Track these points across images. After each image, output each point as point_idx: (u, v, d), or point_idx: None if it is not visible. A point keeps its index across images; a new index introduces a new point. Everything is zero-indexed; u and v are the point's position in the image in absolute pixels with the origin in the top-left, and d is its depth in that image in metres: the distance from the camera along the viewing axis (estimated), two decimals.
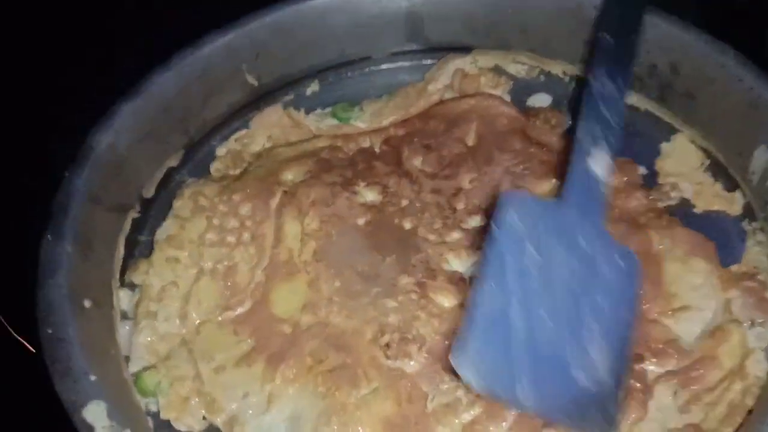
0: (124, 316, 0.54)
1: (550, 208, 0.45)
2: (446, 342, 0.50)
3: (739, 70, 0.56)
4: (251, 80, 0.68)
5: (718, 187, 0.59)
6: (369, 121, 0.67)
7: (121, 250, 0.57)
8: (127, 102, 0.59)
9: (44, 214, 0.51)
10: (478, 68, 0.70)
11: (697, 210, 0.58)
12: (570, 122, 0.66)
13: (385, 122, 0.67)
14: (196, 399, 0.49)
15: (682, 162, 0.61)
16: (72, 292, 0.46)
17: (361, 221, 0.58)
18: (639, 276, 0.45)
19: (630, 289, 0.45)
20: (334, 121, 0.68)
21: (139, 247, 0.59)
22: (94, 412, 0.39)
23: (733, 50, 0.57)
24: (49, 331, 0.43)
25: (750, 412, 0.44)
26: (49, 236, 0.49)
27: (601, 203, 0.46)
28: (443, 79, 0.70)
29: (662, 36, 0.60)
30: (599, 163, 0.46)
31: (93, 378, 0.41)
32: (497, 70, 0.70)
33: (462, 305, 0.52)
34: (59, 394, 0.41)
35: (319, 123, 0.68)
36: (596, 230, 0.45)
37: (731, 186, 0.58)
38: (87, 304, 0.48)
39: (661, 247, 0.54)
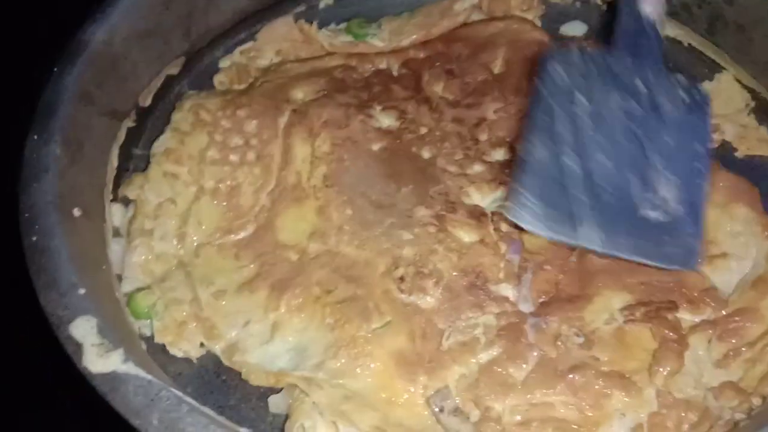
0: (116, 233, 0.51)
1: (600, 58, 0.44)
2: (465, 278, 0.47)
3: None
4: None
5: (764, 130, 0.56)
6: (387, 40, 0.63)
7: (114, 161, 0.53)
8: None
9: (31, 112, 0.46)
10: None
11: (739, 154, 0.55)
12: None
13: (405, 42, 0.63)
14: (194, 324, 0.47)
15: (725, 102, 0.58)
16: (59, 198, 0.42)
17: (376, 147, 0.55)
18: (707, 107, 0.46)
19: (700, 122, 0.45)
20: (349, 38, 0.64)
21: (133, 161, 0.56)
22: (83, 328, 0.36)
23: None
24: (34, 239, 0.39)
25: None
26: (34, 136, 0.45)
27: (655, 44, 0.45)
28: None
29: None
30: (650, 3, 0.45)
31: (82, 291, 0.38)
32: None
33: (483, 241, 0.49)
34: (44, 307, 0.37)
35: (333, 39, 0.64)
36: (654, 71, 0.45)
37: None
38: (76, 212, 0.44)
39: None
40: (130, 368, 0.34)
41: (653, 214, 0.40)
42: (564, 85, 0.42)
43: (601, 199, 0.40)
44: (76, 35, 0.51)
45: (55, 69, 0.49)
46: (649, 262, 0.42)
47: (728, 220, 0.49)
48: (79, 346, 0.35)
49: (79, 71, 0.49)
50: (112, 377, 0.34)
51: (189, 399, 0.34)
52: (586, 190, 0.40)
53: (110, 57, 0.52)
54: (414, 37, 0.62)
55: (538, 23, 0.64)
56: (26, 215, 0.41)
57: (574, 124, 0.41)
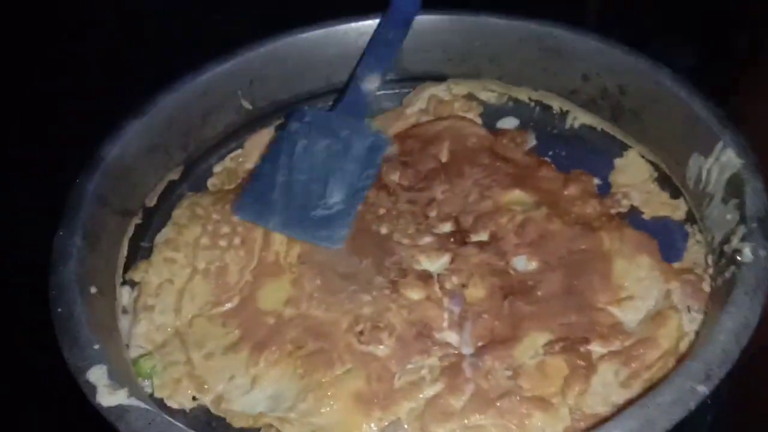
0: (124, 311, 0.60)
1: (323, 116, 0.69)
2: (414, 329, 0.55)
3: (675, 89, 0.62)
4: (246, 104, 0.75)
5: (665, 195, 0.65)
6: None
7: (124, 252, 0.63)
8: (134, 118, 0.66)
9: (58, 215, 0.57)
10: (451, 95, 0.78)
11: (645, 216, 0.64)
12: (535, 141, 0.73)
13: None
14: (187, 381, 0.54)
15: (633, 175, 0.67)
16: (80, 278, 0.52)
17: None
18: (384, 148, 0.68)
19: (374, 156, 0.67)
20: None
21: (140, 252, 0.65)
22: (97, 374, 0.45)
23: (669, 71, 0.64)
24: (60, 310, 0.49)
25: None
26: (61, 231, 0.55)
27: (363, 106, 0.70)
28: (419, 103, 0.77)
29: (609, 60, 0.68)
30: (372, 83, 0.71)
31: (97, 347, 0.47)
32: (469, 97, 0.78)
33: (429, 298, 0.58)
34: (67, 361, 0.46)
35: None
36: (357, 124, 0.68)
37: (676, 194, 0.64)
38: (93, 290, 0.54)
39: (611, 246, 0.60)
40: (133, 401, 0.43)
41: (320, 213, 0.62)
42: (294, 130, 0.67)
43: (292, 202, 0.63)
44: (95, 151, 0.62)
45: (78, 180, 0.60)
46: (310, 240, 0.62)
47: (634, 268, 0.57)
48: (93, 387, 0.44)
49: (96, 180, 0.60)
50: (119, 408, 0.43)
51: (179, 424, 0.42)
52: (284, 195, 0.63)
53: (122, 168, 0.63)
54: None
55: (478, 120, 0.74)
56: (53, 292, 0.51)
57: (291, 155, 0.65)
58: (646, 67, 0.65)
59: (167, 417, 0.43)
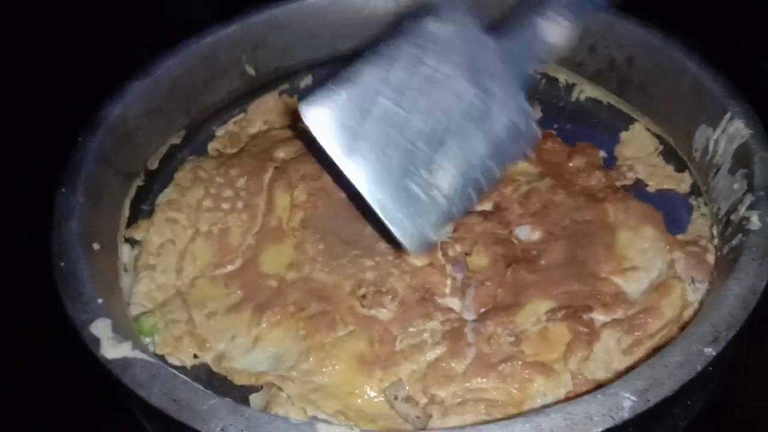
0: (125, 269, 0.59)
1: (480, 39, 0.44)
2: (416, 294, 0.55)
3: (685, 61, 0.62)
4: (249, 70, 0.75)
5: (669, 168, 0.65)
6: None
7: (126, 212, 0.62)
8: (136, 80, 0.65)
9: (60, 171, 0.56)
10: None
11: (650, 189, 0.64)
12: (540, 114, 0.72)
13: None
14: (189, 339, 0.54)
15: (638, 148, 0.68)
16: (82, 235, 0.52)
17: (345, 194, 0.63)
18: (530, 143, 0.47)
19: (514, 148, 0.46)
20: None
21: (141, 214, 0.64)
22: (101, 327, 0.44)
23: (679, 42, 0.63)
24: (63, 264, 0.49)
25: None
26: (63, 189, 0.55)
27: (528, 62, 0.46)
28: None
29: (618, 32, 0.67)
30: (552, 28, 0.47)
31: (100, 301, 0.47)
32: None
33: (432, 264, 0.57)
34: (70, 314, 0.46)
35: None
36: (514, 83, 0.46)
37: (681, 167, 0.64)
38: (95, 246, 0.53)
39: (615, 218, 0.59)
40: (137, 354, 0.43)
41: (415, 190, 0.43)
42: (422, 43, 0.42)
43: (386, 147, 0.42)
44: (98, 111, 0.61)
45: (80, 138, 0.59)
46: (382, 218, 0.44)
47: (639, 240, 0.57)
48: (97, 340, 0.44)
49: (99, 140, 0.59)
50: (123, 361, 0.42)
51: (182, 376, 0.42)
52: (380, 132, 0.42)
53: (124, 129, 0.62)
54: None
55: None
56: (56, 248, 0.50)
57: (409, 77, 0.42)
58: (655, 39, 0.65)
59: (171, 369, 0.43)
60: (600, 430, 0.37)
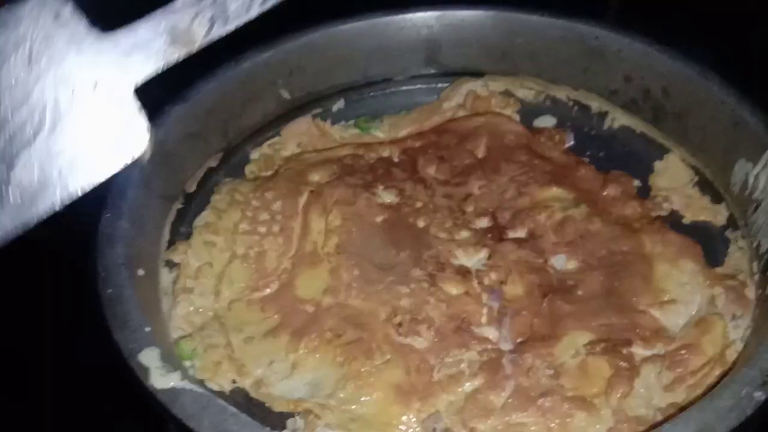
0: (164, 293, 0.60)
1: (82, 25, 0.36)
2: (452, 323, 0.56)
3: (723, 94, 0.62)
4: (284, 94, 0.76)
5: (705, 200, 0.65)
6: (388, 132, 0.74)
7: (166, 236, 0.63)
8: (175, 105, 0.66)
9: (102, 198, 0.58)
10: (489, 91, 0.78)
11: (686, 221, 0.63)
12: (573, 141, 0.72)
13: (402, 133, 0.74)
14: (228, 364, 0.55)
15: (673, 178, 0.67)
16: (128, 260, 0.53)
17: (379, 219, 0.64)
18: None
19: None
20: (356, 131, 0.75)
21: (179, 237, 0.65)
22: (149, 356, 0.45)
23: (717, 76, 0.64)
24: (109, 291, 0.50)
25: None
26: (107, 213, 0.56)
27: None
28: (457, 98, 0.77)
29: (654, 62, 0.68)
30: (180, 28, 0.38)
31: (147, 329, 0.47)
32: (506, 94, 0.78)
33: (467, 293, 0.58)
34: (118, 343, 0.46)
35: (343, 132, 0.75)
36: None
37: (717, 199, 0.64)
38: (140, 272, 0.54)
39: (652, 249, 0.59)
40: (186, 384, 0.44)
41: None
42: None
43: None
44: None
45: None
46: None
47: (677, 273, 0.57)
48: (146, 370, 0.44)
49: (140, 164, 0.61)
50: (173, 391, 0.43)
51: (232, 407, 0.43)
52: None
53: (165, 153, 0.64)
54: (409, 129, 0.74)
55: (516, 117, 0.75)
56: (102, 274, 0.51)
57: None
58: (692, 72, 0.65)
59: (221, 401, 0.43)
60: None
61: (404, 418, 0.50)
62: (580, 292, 0.57)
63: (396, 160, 0.71)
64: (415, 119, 0.75)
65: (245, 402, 0.53)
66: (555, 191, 0.65)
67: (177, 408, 0.42)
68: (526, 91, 0.78)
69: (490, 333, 0.55)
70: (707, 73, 0.64)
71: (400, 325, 0.55)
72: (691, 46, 0.66)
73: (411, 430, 0.50)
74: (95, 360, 0.54)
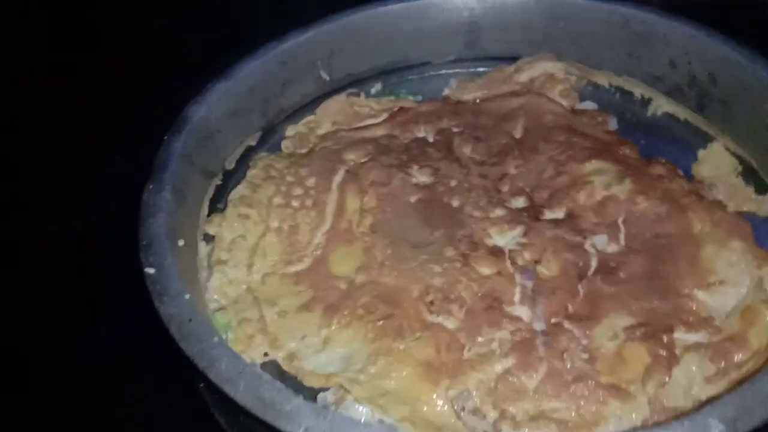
0: (201, 265, 0.61)
1: None
2: (484, 303, 0.55)
3: None
4: (324, 75, 0.76)
5: (750, 190, 0.63)
6: (454, 93, 0.75)
7: (205, 210, 0.64)
8: (219, 82, 0.68)
9: (147, 171, 0.59)
10: (566, 75, 0.75)
11: (729, 210, 0.61)
12: (616, 126, 0.71)
13: (467, 96, 0.74)
14: (261, 337, 0.56)
15: (716, 167, 0.66)
16: (169, 231, 0.54)
17: (413, 199, 0.64)
18: None
19: None
20: (391, 97, 0.76)
21: (217, 212, 0.66)
22: (189, 323, 0.46)
23: (765, 59, 0.61)
24: (151, 259, 0.51)
25: None
26: (150, 186, 0.57)
27: None
28: (530, 73, 0.75)
29: (701, 47, 0.66)
30: None
31: (187, 297, 0.49)
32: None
33: (500, 273, 0.57)
34: (158, 308, 0.48)
35: (377, 104, 0.75)
36: None
37: (762, 189, 0.62)
38: (180, 243, 0.56)
39: (700, 229, 0.58)
40: (223, 349, 0.45)
41: None
42: None
43: None
44: (182, 113, 0.64)
45: (166, 137, 0.62)
46: None
47: (726, 252, 0.55)
48: (185, 335, 0.46)
49: (184, 139, 0.62)
50: (209, 355, 0.44)
51: (268, 375, 0.44)
52: None
53: (206, 130, 0.65)
54: (475, 94, 0.74)
55: (560, 101, 0.73)
56: (144, 242, 0.53)
57: None
58: (741, 56, 0.63)
59: (255, 368, 0.44)
60: None
61: (433, 395, 0.50)
62: (621, 274, 0.56)
63: (431, 140, 0.71)
64: (482, 85, 0.75)
65: (277, 375, 0.54)
66: (596, 164, 0.64)
67: (213, 372, 0.43)
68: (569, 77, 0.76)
69: (523, 312, 0.55)
70: (756, 57, 0.62)
71: (431, 303, 0.55)
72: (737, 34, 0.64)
73: (439, 407, 0.50)
74: (95, 360, 0.55)
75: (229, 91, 0.68)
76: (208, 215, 0.65)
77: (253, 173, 0.68)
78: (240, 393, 0.42)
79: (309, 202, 0.65)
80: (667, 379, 0.49)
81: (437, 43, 0.78)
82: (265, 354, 0.56)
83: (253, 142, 0.72)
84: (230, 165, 0.69)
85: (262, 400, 0.41)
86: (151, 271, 0.50)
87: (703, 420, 0.37)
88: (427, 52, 0.79)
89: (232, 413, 0.49)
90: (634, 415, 0.48)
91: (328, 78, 0.77)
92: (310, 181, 0.66)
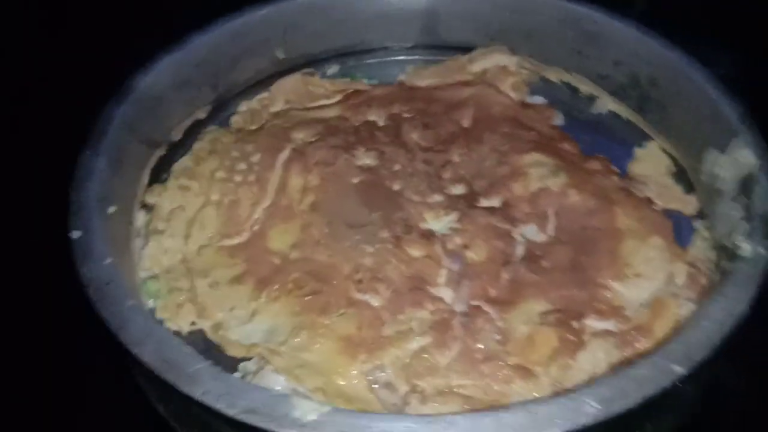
0: (137, 234, 0.62)
1: None
2: (409, 283, 0.57)
3: (704, 84, 0.62)
4: (278, 53, 0.77)
5: (678, 190, 0.65)
6: (409, 79, 0.76)
7: (145, 180, 0.65)
8: (167, 53, 0.68)
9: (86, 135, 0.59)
10: (518, 68, 0.76)
11: (656, 207, 0.63)
12: (562, 121, 0.73)
13: (422, 83, 0.75)
14: (189, 306, 0.57)
15: (651, 166, 0.68)
16: (100, 197, 0.54)
17: (356, 180, 0.65)
18: None
19: None
20: (346, 79, 0.76)
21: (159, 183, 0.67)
22: (105, 287, 0.47)
23: (700, 65, 0.63)
24: (78, 223, 0.52)
25: None
26: (87, 151, 0.58)
27: None
28: (483, 64, 0.76)
29: (643, 49, 0.67)
30: None
31: (109, 260, 0.49)
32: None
33: (429, 256, 0.59)
34: (80, 271, 0.48)
35: (332, 85, 0.76)
36: None
37: (689, 189, 0.64)
38: (111, 209, 0.56)
39: (625, 224, 0.60)
40: (135, 313, 0.46)
41: None
42: None
43: None
44: (126, 80, 0.64)
45: (108, 104, 0.62)
46: None
47: (645, 248, 0.57)
48: (100, 298, 0.47)
49: (125, 107, 0.62)
50: (121, 318, 0.45)
51: (176, 338, 0.45)
52: None
53: (151, 99, 0.65)
54: (429, 81, 0.75)
55: (511, 93, 0.74)
56: (74, 206, 0.53)
57: None
58: (679, 60, 0.65)
59: (166, 331, 0.45)
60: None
61: (349, 368, 0.52)
62: (545, 263, 0.58)
63: (381, 124, 0.72)
64: (437, 72, 0.76)
65: (202, 344, 0.55)
66: (535, 156, 0.65)
67: (123, 334, 0.44)
68: (521, 70, 0.78)
69: (446, 294, 0.56)
70: (694, 63, 0.64)
71: (360, 282, 0.57)
72: (714, 54, 0.65)
73: (353, 380, 0.51)
74: (95, 360, 0.56)
75: (177, 62, 0.68)
76: (149, 184, 0.65)
77: (198, 146, 0.69)
78: (147, 354, 0.43)
79: (252, 178, 0.65)
80: (570, 362, 0.51)
81: (395, 27, 0.79)
82: (193, 323, 0.57)
83: (202, 116, 0.72)
84: (177, 136, 0.70)
85: (167, 362, 0.42)
86: (77, 234, 0.51)
87: (578, 398, 0.39)
88: (385, 37, 0.80)
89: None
90: (535, 395, 0.49)
91: (283, 56, 0.77)
92: (255, 158, 0.67)
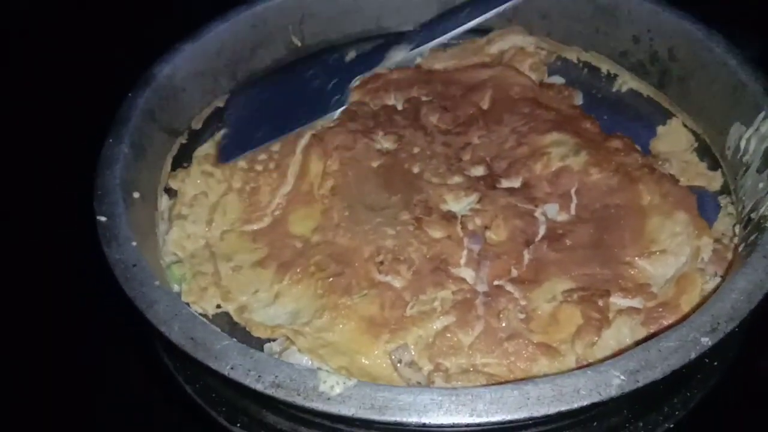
0: (161, 218, 0.63)
1: None
2: (431, 264, 0.57)
3: (725, 56, 0.61)
4: (295, 41, 0.77)
5: (702, 166, 0.64)
6: (426, 62, 0.75)
7: (168, 167, 0.66)
8: (186, 42, 0.69)
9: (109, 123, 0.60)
10: (536, 50, 0.76)
11: (681, 184, 0.62)
12: (582, 101, 0.72)
13: (439, 66, 0.75)
14: (214, 289, 0.58)
15: (673, 143, 0.67)
16: (124, 182, 0.55)
17: (375, 164, 0.65)
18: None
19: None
20: None
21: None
22: (132, 267, 0.48)
23: (723, 38, 0.62)
24: (103, 208, 0.53)
25: None
26: (110, 139, 0.59)
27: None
28: (501, 45, 0.76)
29: (661, 23, 0.66)
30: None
31: (134, 244, 0.50)
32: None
33: (450, 237, 0.59)
34: (107, 254, 0.50)
35: None
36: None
37: (714, 165, 0.64)
38: (135, 195, 0.57)
39: (649, 201, 0.59)
40: (162, 293, 0.47)
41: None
42: None
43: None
44: (147, 70, 0.65)
45: (130, 93, 0.63)
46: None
47: (670, 223, 0.57)
48: (127, 278, 0.48)
49: (147, 96, 0.63)
50: (149, 298, 0.46)
51: (202, 318, 0.46)
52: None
53: (172, 88, 0.66)
54: (446, 64, 0.75)
55: (529, 74, 0.73)
56: (99, 192, 0.54)
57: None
58: (698, 32, 0.64)
59: (192, 310, 0.46)
60: (586, 403, 0.38)
61: (373, 347, 0.52)
62: (568, 242, 0.57)
63: (400, 107, 0.72)
64: (454, 55, 0.75)
65: (228, 326, 0.56)
66: (555, 136, 0.65)
67: (151, 313, 0.45)
68: (539, 51, 0.77)
69: (467, 274, 0.56)
70: (713, 35, 0.63)
71: (381, 263, 0.57)
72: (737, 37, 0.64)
73: (377, 359, 0.52)
74: (96, 359, 0.57)
75: (196, 51, 0.69)
76: (172, 172, 0.66)
77: (222, 134, 0.69)
78: (174, 333, 0.44)
79: (272, 165, 0.66)
80: (596, 339, 0.50)
81: (412, 11, 0.79)
82: (218, 306, 0.58)
83: (221, 104, 0.73)
84: (197, 125, 0.70)
85: (194, 340, 0.43)
86: (102, 219, 0.52)
87: (605, 370, 0.39)
88: (402, 21, 0.80)
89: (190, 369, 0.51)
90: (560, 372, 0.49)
91: (300, 44, 0.77)
92: (275, 146, 0.68)
